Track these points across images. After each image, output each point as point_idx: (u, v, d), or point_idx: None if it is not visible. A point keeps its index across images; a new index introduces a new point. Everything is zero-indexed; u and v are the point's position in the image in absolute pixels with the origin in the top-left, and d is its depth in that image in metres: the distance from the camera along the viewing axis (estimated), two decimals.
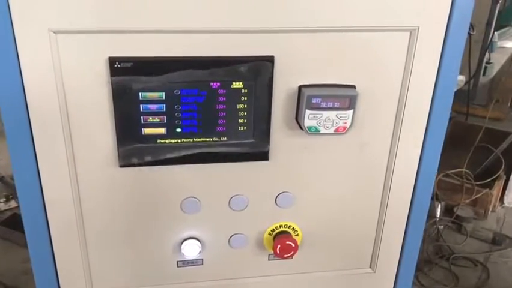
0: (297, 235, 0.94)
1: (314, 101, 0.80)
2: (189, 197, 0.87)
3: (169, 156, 0.82)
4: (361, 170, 0.89)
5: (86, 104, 0.76)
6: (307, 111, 0.80)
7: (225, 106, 0.80)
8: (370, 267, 1.00)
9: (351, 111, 0.81)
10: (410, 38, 0.79)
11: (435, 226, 2.62)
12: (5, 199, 2.58)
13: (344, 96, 0.81)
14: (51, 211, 0.83)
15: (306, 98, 0.79)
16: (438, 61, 0.81)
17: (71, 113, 0.77)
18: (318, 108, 0.80)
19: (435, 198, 2.61)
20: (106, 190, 0.84)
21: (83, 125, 0.78)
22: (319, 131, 0.82)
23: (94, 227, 0.87)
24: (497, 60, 3.94)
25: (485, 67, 3.91)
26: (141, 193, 0.85)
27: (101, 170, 0.82)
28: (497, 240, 2.59)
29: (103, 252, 0.90)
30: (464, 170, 2.76)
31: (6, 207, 2.54)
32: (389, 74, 0.82)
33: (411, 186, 0.91)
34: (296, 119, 0.83)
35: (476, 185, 2.73)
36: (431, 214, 2.67)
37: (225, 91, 0.79)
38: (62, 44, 0.71)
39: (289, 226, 0.93)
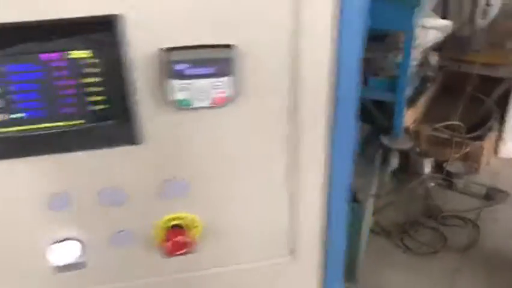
0: (196, 227, 0.80)
1: (179, 67, 0.64)
2: (55, 193, 0.72)
3: (13, 148, 0.67)
4: (258, 145, 0.74)
5: None
6: (173, 82, 0.64)
7: (68, 82, 0.64)
8: (290, 255, 0.86)
9: (230, 77, 0.65)
10: None
11: (423, 184, 2.46)
12: None
13: (216, 60, 0.64)
14: None
15: (169, 64, 0.63)
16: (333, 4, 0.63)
17: None
18: (185, 76, 0.64)
19: (420, 154, 2.45)
20: None
21: None
22: (192, 105, 0.66)
23: None
24: (498, 2, 3.65)
25: (484, 10, 3.63)
26: None
27: None
28: (490, 195, 2.43)
29: None
30: (455, 122, 2.56)
31: None
32: (275, 27, 0.65)
33: (323, 161, 0.76)
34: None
35: (467, 138, 2.54)
36: (418, 171, 2.51)
37: (64, 64, 0.63)
38: None
39: (185, 218, 0.79)
